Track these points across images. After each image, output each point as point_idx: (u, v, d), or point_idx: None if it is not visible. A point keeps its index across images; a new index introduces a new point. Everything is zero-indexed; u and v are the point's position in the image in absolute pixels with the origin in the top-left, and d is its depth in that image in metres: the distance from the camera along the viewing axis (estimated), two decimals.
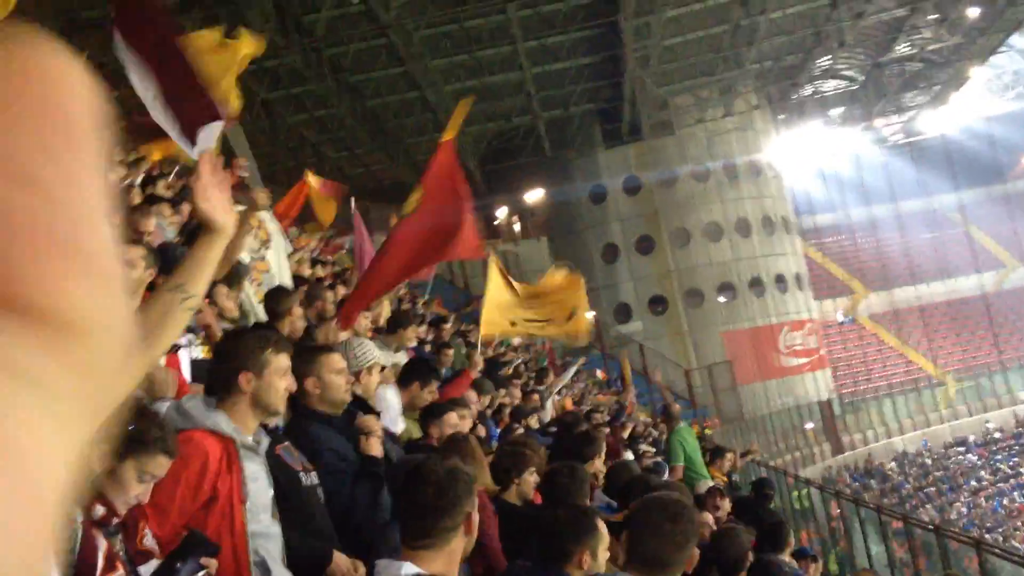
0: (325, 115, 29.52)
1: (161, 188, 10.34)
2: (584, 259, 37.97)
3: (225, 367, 3.50)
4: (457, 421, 5.85)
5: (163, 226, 8.45)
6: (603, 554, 3.74)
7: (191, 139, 6.74)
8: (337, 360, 4.53)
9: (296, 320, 6.77)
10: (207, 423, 3.37)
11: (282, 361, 3.52)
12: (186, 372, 4.78)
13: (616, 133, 36.70)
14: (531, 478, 5.36)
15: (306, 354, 4.49)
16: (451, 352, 10.58)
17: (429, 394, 6.43)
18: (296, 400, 4.44)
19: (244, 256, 7.73)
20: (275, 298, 6.61)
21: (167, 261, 5.22)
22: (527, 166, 36.63)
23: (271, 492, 3.54)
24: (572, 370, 16.46)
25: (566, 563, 3.73)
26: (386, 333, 8.41)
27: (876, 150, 53.68)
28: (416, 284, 11.54)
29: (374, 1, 21.52)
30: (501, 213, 39.85)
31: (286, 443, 3.94)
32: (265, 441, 3.59)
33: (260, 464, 3.50)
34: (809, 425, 36.64)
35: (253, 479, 3.41)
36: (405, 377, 6.38)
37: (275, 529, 3.51)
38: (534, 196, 37.97)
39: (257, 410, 3.48)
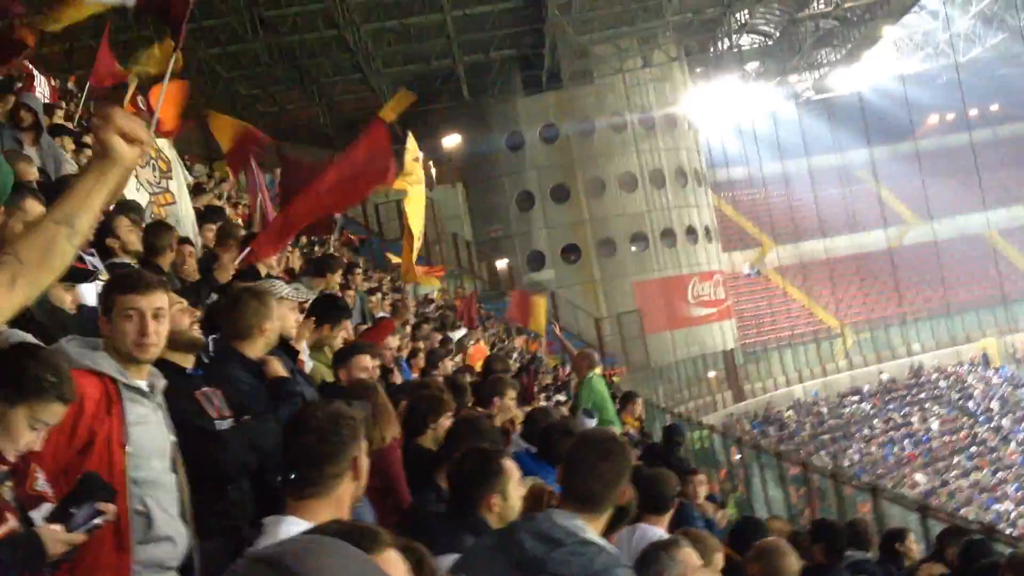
0: (239, 50, 28.79)
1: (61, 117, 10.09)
2: (499, 206, 38.10)
3: (105, 305, 3.34)
4: (367, 364, 5.75)
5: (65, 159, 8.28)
6: (515, 494, 3.79)
7: None
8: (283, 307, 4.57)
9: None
10: (86, 362, 3.18)
11: (126, 302, 3.26)
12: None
13: (535, 81, 36.59)
14: (446, 422, 5.34)
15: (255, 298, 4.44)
16: (353, 295, 10.46)
17: (340, 334, 6.37)
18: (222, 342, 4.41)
19: (138, 188, 7.61)
20: (154, 232, 6.34)
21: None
22: (445, 111, 36.31)
23: (170, 438, 3.38)
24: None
25: (477, 508, 3.76)
26: (313, 275, 8.36)
27: (790, 106, 54.64)
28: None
29: None
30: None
31: (206, 388, 3.84)
32: (161, 383, 3.38)
33: (151, 408, 3.31)
34: (712, 373, 37.57)
35: (139, 422, 3.23)
36: (315, 317, 6.18)
37: (168, 478, 3.33)
38: (451, 142, 37.75)
39: (121, 355, 3.26)
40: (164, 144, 8.39)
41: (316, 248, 15.77)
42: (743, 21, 39.27)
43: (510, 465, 3.84)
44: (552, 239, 37.99)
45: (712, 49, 41.06)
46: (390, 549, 1.57)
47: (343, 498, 2.84)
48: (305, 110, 34.68)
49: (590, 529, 3.26)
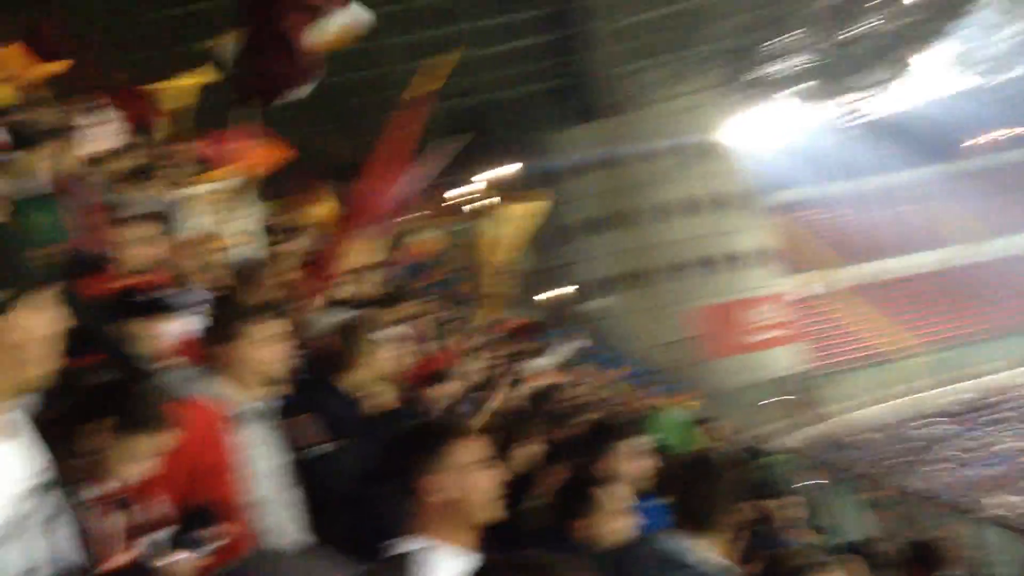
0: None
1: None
2: (554, 235, 37.92)
3: (212, 338, 3.50)
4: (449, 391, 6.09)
5: None
6: (614, 521, 3.71)
7: None
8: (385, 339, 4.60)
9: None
10: (199, 389, 3.33)
11: (268, 330, 3.47)
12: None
13: (568, 114, 36.53)
14: (531, 450, 5.20)
15: (352, 330, 4.51)
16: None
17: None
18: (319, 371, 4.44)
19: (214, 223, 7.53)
20: (250, 267, 6.47)
21: None
22: (496, 144, 36.42)
23: (281, 459, 3.50)
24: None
25: (570, 529, 3.76)
26: (383, 305, 8.16)
27: (834, 128, 54.12)
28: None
29: None
30: (454, 193, 39.70)
31: (300, 416, 3.90)
32: (272, 406, 3.54)
33: (262, 430, 3.45)
34: (781, 398, 36.87)
35: (252, 445, 3.36)
36: None
37: (284, 498, 3.44)
38: (504, 173, 37.82)
39: (248, 379, 3.43)
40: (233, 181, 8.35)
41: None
42: (786, 44, 38.94)
43: (608, 494, 3.80)
44: (609, 266, 37.73)
45: (752, 74, 40.72)
46: None
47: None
48: (343, 151, 34.84)
49: (700, 550, 3.22)
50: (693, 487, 3.34)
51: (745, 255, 38.82)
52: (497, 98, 33.93)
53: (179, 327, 4.42)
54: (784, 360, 38.52)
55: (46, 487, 1.90)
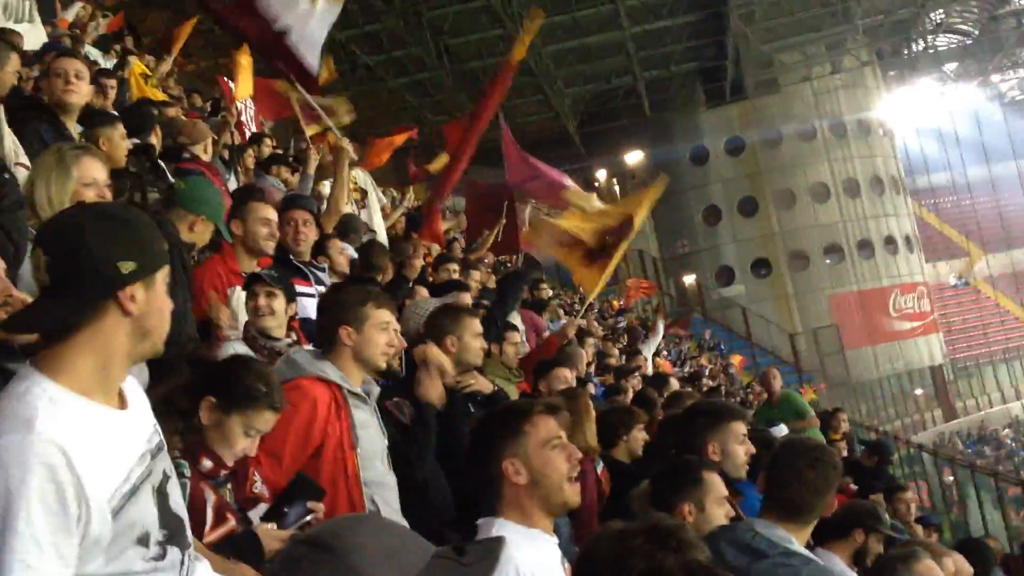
0: (424, 78, 29.59)
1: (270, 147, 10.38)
2: (684, 221, 37.52)
3: (327, 321, 3.54)
4: (567, 376, 5.97)
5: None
6: (715, 509, 3.57)
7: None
8: (478, 324, 4.57)
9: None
10: (313, 370, 3.40)
11: (382, 316, 3.53)
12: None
13: (718, 92, 35.94)
14: (639, 435, 5.35)
15: (450, 313, 4.56)
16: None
17: (511, 347, 6.43)
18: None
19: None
20: (371, 252, 6.72)
21: None
22: (626, 128, 36.16)
23: (384, 442, 3.57)
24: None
25: (671, 514, 3.54)
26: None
27: (993, 106, 51.52)
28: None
29: None
30: (600, 176, 39.52)
31: (396, 399, 4.01)
32: (375, 390, 3.61)
33: (370, 413, 3.53)
34: (919, 390, 35.65)
35: (363, 426, 3.43)
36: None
37: (390, 479, 3.53)
38: (633, 158, 37.50)
39: (359, 364, 3.49)
40: (359, 174, 8.68)
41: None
42: (939, 21, 37.33)
43: (713, 479, 3.67)
44: (741, 253, 37.12)
45: (906, 51, 39.16)
46: None
47: None
48: (487, 133, 35.23)
49: (795, 540, 3.16)
50: (800, 475, 3.26)
51: (888, 241, 37.56)
52: (647, 78, 33.69)
53: (300, 308, 4.63)
54: (922, 351, 37.18)
55: (156, 453, 1.94)
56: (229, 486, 2.90)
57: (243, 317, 4.24)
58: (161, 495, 1.91)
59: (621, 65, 32.30)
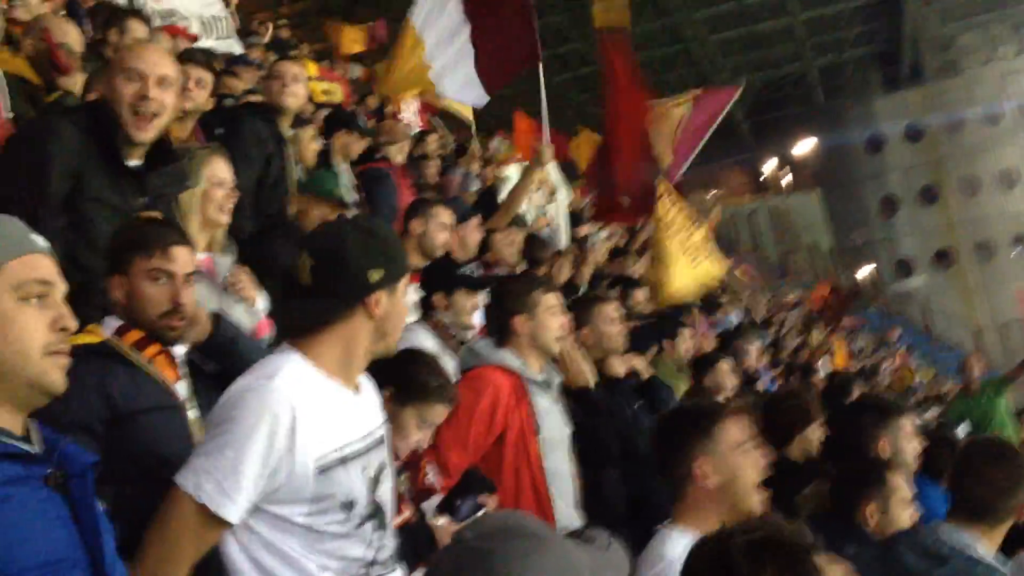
0: (587, 72, 29.61)
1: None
2: (860, 212, 36.24)
3: (500, 312, 3.67)
4: (729, 370, 5.92)
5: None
6: (899, 511, 3.50)
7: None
8: (613, 309, 4.59)
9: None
10: (495, 359, 3.53)
11: (551, 300, 3.64)
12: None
13: (894, 77, 34.59)
14: (814, 434, 5.16)
15: (582, 303, 4.62)
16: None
17: (683, 344, 6.54)
18: None
19: (527, 209, 8.01)
20: (535, 246, 7.04)
21: None
22: (797, 116, 35.20)
23: (567, 431, 3.62)
24: None
25: (855, 515, 3.56)
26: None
27: None
28: None
29: None
30: (769, 166, 38.60)
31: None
32: (557, 379, 3.68)
33: (552, 401, 3.59)
34: None
35: (545, 414, 3.50)
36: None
37: (568, 468, 3.57)
38: (805, 147, 36.50)
39: (536, 350, 3.59)
40: (551, 168, 8.70)
41: None
42: None
43: (897, 480, 3.61)
44: (920, 244, 35.57)
45: None
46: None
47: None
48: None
49: (981, 545, 3.04)
50: (984, 475, 3.11)
51: None
52: (819, 64, 32.77)
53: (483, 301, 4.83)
54: None
55: (376, 445, 2.20)
56: (403, 477, 2.95)
57: (410, 315, 4.41)
58: (374, 481, 2.16)
59: (791, 52, 31.44)
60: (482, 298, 4.61)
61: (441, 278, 4.31)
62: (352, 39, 12.63)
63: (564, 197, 9.55)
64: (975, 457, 3.23)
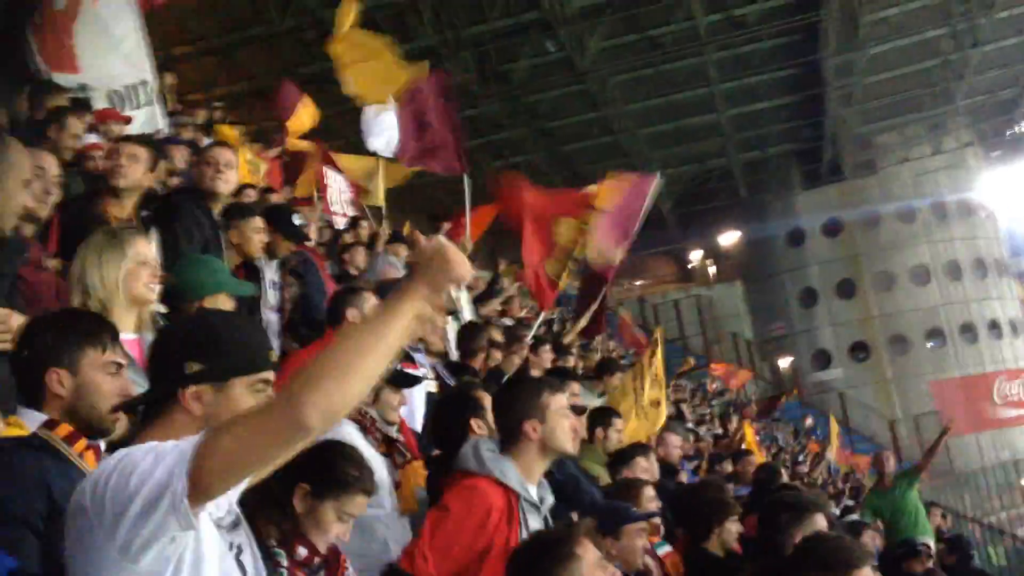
0: (522, 161, 30.14)
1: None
2: (780, 303, 37.09)
3: (509, 419, 3.52)
4: (646, 465, 5.86)
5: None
6: None
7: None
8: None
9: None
10: (495, 472, 3.37)
11: (560, 401, 3.52)
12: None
13: (815, 174, 35.72)
14: (733, 526, 5.19)
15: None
16: None
17: (615, 433, 6.48)
18: None
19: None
20: (468, 335, 6.97)
21: None
22: (722, 208, 36.16)
23: None
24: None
25: None
26: (592, 378, 8.59)
27: None
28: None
29: (571, 49, 21.94)
30: (695, 256, 39.42)
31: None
32: (550, 499, 3.54)
33: (540, 522, 3.45)
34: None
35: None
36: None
37: None
38: (729, 239, 37.39)
39: (545, 455, 3.47)
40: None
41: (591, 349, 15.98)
42: None
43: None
44: (838, 336, 36.42)
45: (1009, 131, 38.40)
46: None
47: None
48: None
49: None
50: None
51: (992, 326, 36.46)
52: (743, 160, 33.76)
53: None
54: None
55: (234, 524, 2.09)
56: (322, 574, 2.87)
57: None
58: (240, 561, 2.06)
59: (717, 147, 32.41)
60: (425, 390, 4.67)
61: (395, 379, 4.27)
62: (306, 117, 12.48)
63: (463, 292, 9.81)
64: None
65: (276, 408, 1.78)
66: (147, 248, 3.58)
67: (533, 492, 3.43)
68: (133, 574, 1.81)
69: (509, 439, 3.48)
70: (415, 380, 4.45)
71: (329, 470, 2.88)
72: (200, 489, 1.74)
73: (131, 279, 3.41)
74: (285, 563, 2.73)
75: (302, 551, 2.81)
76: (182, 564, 1.86)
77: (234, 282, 4.47)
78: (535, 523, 3.39)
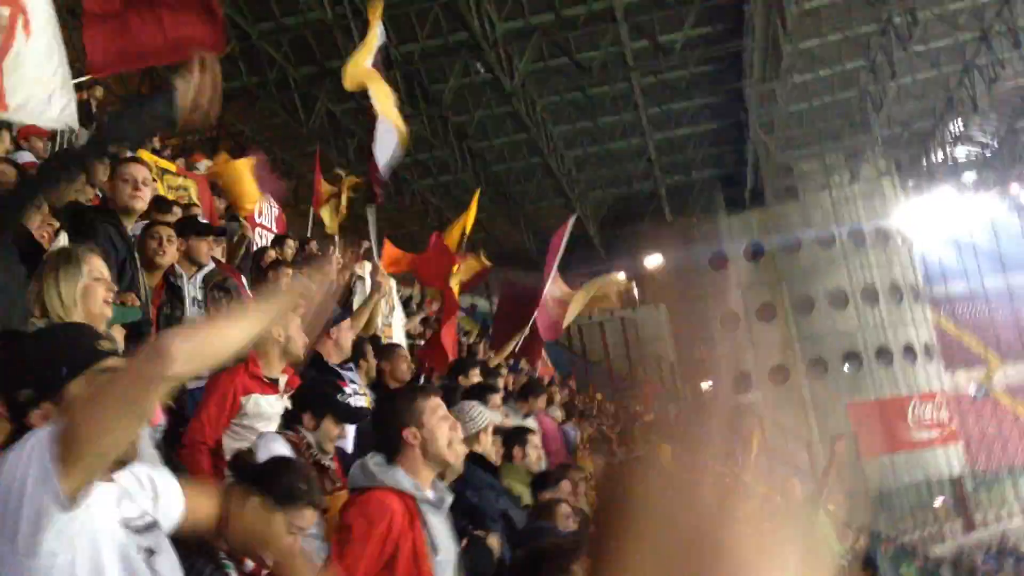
0: (449, 180, 30.18)
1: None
2: (703, 326, 37.55)
3: (388, 428, 3.54)
4: (570, 489, 5.95)
5: None
6: None
7: None
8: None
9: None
10: (387, 480, 3.40)
11: (434, 403, 3.56)
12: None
13: (738, 199, 36.36)
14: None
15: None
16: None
17: (533, 450, 6.51)
18: None
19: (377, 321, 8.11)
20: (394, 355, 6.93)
21: None
22: (647, 232, 36.60)
23: (455, 549, 3.57)
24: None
25: None
26: (517, 399, 8.61)
27: (1011, 216, 51.68)
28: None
29: (499, 71, 22.07)
30: (619, 278, 39.72)
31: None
32: (448, 497, 3.57)
33: (443, 519, 3.51)
34: (938, 501, 35.10)
35: (438, 533, 3.43)
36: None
37: None
38: (653, 262, 37.82)
39: (429, 462, 3.49)
40: (393, 283, 9.06)
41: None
42: (957, 132, 37.79)
43: None
44: (759, 359, 37.03)
45: (925, 161, 39.61)
46: None
47: None
48: (509, 235, 35.71)
49: None
50: None
51: (907, 350, 37.43)
52: (668, 183, 34.23)
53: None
54: (941, 462, 36.68)
55: (148, 527, 2.12)
56: None
57: (262, 424, 4.40)
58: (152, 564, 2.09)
59: (643, 170, 32.84)
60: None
61: (316, 400, 4.31)
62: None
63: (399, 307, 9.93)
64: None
65: (139, 358, 1.94)
66: (102, 265, 3.59)
67: (429, 493, 3.46)
68: (32, 571, 1.85)
69: (393, 449, 3.50)
70: (361, 416, 4.44)
71: (278, 484, 2.92)
72: (71, 462, 1.83)
73: (89, 296, 3.43)
74: (234, 574, 2.77)
75: (249, 564, 2.84)
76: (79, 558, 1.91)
77: (117, 311, 4.40)
78: (437, 521, 3.43)
